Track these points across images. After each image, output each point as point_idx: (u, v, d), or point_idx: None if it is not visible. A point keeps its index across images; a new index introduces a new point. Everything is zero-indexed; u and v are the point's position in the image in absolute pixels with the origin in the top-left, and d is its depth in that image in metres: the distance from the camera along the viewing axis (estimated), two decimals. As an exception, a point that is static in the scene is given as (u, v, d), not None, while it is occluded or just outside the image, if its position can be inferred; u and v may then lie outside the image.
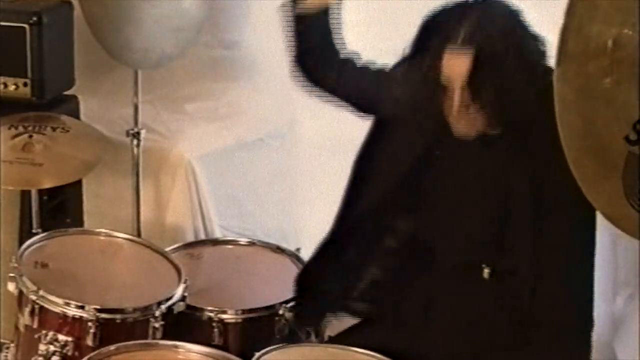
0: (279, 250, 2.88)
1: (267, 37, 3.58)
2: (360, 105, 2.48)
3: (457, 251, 2.35)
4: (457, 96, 2.15)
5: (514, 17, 2.19)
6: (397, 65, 2.40)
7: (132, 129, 3.30)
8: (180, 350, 2.35)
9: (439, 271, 2.38)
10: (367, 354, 2.30)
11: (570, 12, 1.42)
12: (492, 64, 2.12)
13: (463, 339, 2.32)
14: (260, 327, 2.57)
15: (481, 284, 2.30)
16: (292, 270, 2.78)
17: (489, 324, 2.29)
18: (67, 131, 3.15)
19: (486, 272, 2.30)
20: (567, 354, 2.33)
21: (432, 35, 2.21)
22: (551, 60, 2.07)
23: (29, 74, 3.24)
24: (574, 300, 2.31)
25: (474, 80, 2.13)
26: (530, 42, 2.19)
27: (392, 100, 2.38)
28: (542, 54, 2.18)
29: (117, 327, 2.43)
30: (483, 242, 2.31)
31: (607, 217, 1.50)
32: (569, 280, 2.27)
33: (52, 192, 3.24)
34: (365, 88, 2.47)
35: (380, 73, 2.46)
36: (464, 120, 2.20)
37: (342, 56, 2.49)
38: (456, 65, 2.14)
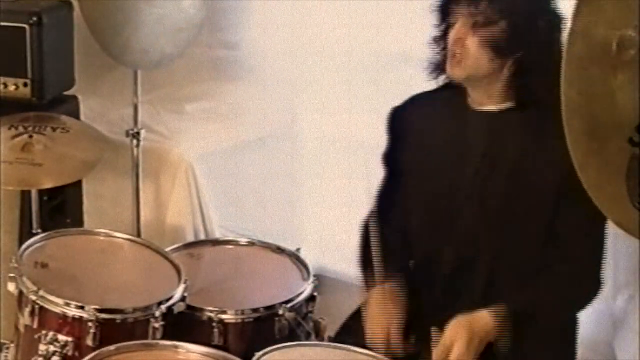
0: (279, 250, 2.88)
1: (267, 37, 3.58)
2: None
3: (456, 246, 2.36)
4: (457, 26, 2.26)
5: None
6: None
7: (132, 129, 3.30)
8: (180, 350, 2.35)
9: (438, 267, 2.39)
10: (367, 354, 2.30)
11: (576, 15, 1.42)
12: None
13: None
14: (260, 327, 2.57)
15: (475, 280, 2.31)
16: (292, 270, 2.78)
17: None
18: (67, 131, 3.15)
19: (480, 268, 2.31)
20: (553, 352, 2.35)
21: None
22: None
23: (29, 74, 3.24)
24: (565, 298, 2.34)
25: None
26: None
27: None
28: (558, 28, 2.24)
29: (117, 327, 2.42)
30: (479, 237, 2.32)
31: (613, 220, 1.50)
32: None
33: (52, 192, 3.24)
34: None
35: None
36: (458, 58, 2.28)
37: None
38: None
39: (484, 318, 2.21)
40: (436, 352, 2.20)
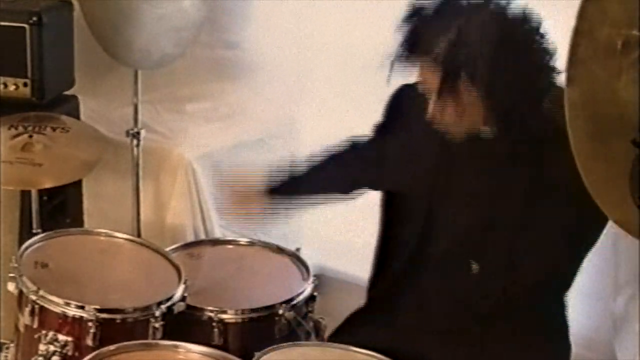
0: (279, 250, 2.88)
1: (267, 37, 3.58)
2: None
3: (447, 246, 2.36)
4: (431, 103, 2.23)
5: (506, 23, 2.16)
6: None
7: (132, 129, 3.30)
8: (180, 350, 2.35)
9: (430, 267, 2.39)
10: (367, 354, 2.30)
11: (581, 16, 1.42)
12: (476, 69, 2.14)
13: (456, 335, 2.33)
14: (260, 327, 2.57)
15: (470, 279, 2.31)
16: (292, 270, 2.78)
17: (480, 318, 2.31)
18: (67, 131, 3.15)
19: (474, 267, 2.31)
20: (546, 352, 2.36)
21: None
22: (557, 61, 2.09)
23: (29, 74, 3.24)
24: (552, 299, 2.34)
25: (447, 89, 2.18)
26: (531, 43, 2.17)
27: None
28: (546, 54, 2.16)
29: (117, 327, 2.42)
30: (472, 238, 2.32)
31: (618, 222, 1.50)
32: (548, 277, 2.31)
33: (52, 192, 3.24)
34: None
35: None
36: (449, 122, 2.24)
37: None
38: (429, 79, 2.21)
39: None
40: None
